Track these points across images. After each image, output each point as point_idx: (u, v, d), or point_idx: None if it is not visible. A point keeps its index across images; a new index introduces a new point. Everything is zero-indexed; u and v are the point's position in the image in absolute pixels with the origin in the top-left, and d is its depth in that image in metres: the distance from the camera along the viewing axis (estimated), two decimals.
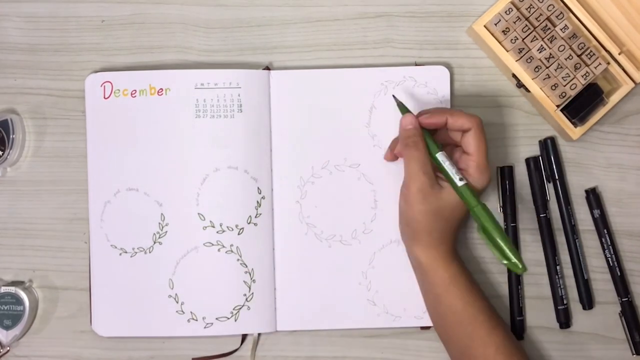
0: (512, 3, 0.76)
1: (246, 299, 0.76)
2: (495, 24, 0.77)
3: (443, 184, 0.71)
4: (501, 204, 0.79)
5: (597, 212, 0.78)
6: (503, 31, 0.77)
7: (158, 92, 0.77)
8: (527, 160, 0.79)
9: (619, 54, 0.76)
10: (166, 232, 0.76)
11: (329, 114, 0.77)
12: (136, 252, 0.77)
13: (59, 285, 0.79)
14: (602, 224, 0.78)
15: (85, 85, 0.77)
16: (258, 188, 0.76)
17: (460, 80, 0.80)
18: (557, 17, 0.76)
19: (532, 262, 0.79)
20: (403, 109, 0.74)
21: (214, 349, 0.78)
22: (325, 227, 0.76)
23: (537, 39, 0.76)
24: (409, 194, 0.71)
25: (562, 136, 0.79)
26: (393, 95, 0.75)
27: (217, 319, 0.76)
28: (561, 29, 0.76)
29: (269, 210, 0.77)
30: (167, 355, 0.78)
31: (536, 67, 0.76)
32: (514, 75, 0.77)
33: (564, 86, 0.76)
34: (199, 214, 0.76)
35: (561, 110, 0.77)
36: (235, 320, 0.76)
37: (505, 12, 0.76)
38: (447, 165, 0.71)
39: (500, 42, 0.77)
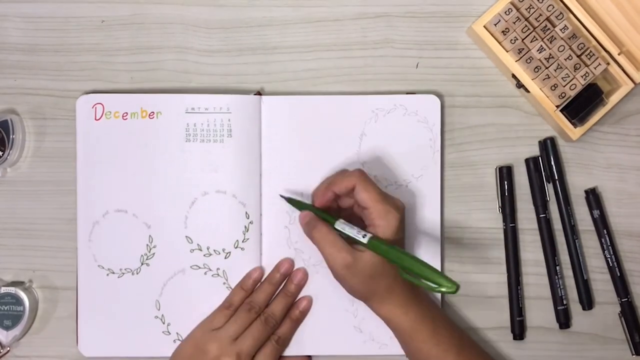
0: (512, 3, 0.76)
1: None
2: (495, 25, 0.77)
3: (360, 247, 0.70)
4: (500, 205, 0.79)
5: (596, 213, 0.78)
6: (503, 31, 0.77)
7: (149, 115, 0.77)
8: (527, 161, 0.79)
9: (619, 54, 0.76)
10: (154, 253, 0.77)
11: (319, 140, 0.77)
12: (123, 273, 0.77)
13: (59, 285, 0.79)
14: (601, 224, 0.78)
15: (76, 106, 0.77)
16: (246, 212, 0.77)
17: (460, 80, 0.80)
18: (556, 17, 0.76)
19: (532, 263, 0.79)
20: (296, 204, 0.75)
21: None
22: (313, 253, 0.75)
23: (536, 39, 0.76)
24: (336, 274, 0.71)
25: (562, 136, 0.79)
26: (280, 195, 0.76)
27: None
28: (561, 30, 0.76)
29: (257, 235, 0.77)
30: None
31: (536, 67, 0.76)
32: (513, 76, 0.77)
33: (564, 86, 0.76)
34: (186, 236, 0.77)
35: (561, 111, 0.77)
36: None
37: (505, 12, 0.76)
38: (347, 230, 0.71)
39: (499, 43, 0.77)
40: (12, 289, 0.77)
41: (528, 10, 0.76)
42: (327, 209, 0.74)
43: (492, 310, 0.79)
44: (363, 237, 0.70)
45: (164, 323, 0.77)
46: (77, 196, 0.77)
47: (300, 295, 0.77)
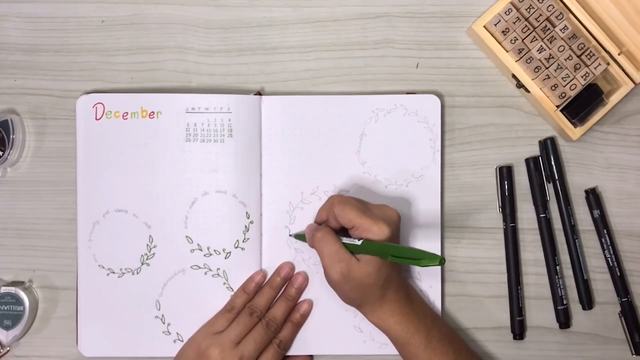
0: (512, 3, 0.76)
1: None
2: (495, 25, 0.77)
3: (356, 256, 0.70)
4: (500, 205, 0.79)
5: (596, 212, 0.78)
6: (503, 32, 0.77)
7: (149, 115, 0.77)
8: (527, 161, 0.79)
9: (619, 54, 0.76)
10: (154, 253, 0.77)
11: (320, 140, 0.77)
12: (124, 273, 0.77)
13: (59, 285, 0.79)
14: (601, 224, 0.78)
15: (76, 106, 0.77)
16: (246, 212, 0.77)
17: (460, 80, 0.80)
18: (556, 17, 0.76)
19: (532, 262, 0.79)
20: (304, 237, 0.76)
21: None
22: (312, 253, 0.75)
23: (536, 39, 0.76)
24: (331, 280, 0.71)
25: (562, 136, 0.79)
26: (290, 235, 0.77)
27: None
28: (561, 30, 0.76)
29: (257, 234, 0.77)
30: None
31: (536, 67, 0.76)
32: (513, 76, 0.77)
33: (564, 86, 0.76)
34: (186, 236, 0.77)
35: (561, 111, 0.77)
36: None
37: (505, 12, 0.76)
38: (344, 239, 0.71)
39: (499, 43, 0.77)
40: (12, 289, 0.77)
41: (528, 10, 0.76)
42: None
43: (492, 310, 0.79)
44: (358, 240, 0.70)
45: (164, 323, 0.77)
46: (77, 196, 0.77)
47: (300, 297, 0.77)
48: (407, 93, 0.79)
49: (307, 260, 0.77)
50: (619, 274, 0.78)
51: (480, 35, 0.77)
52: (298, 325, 0.76)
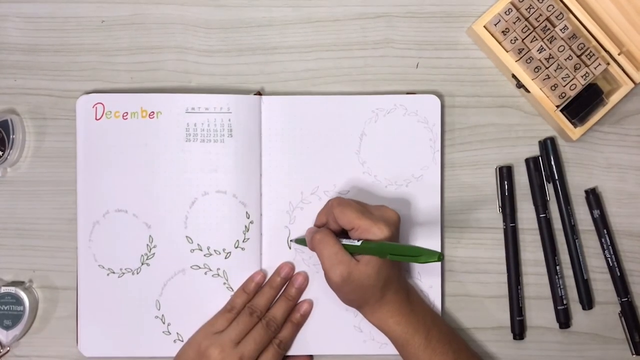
0: (512, 3, 0.76)
1: None
2: (495, 25, 0.77)
3: (357, 257, 0.70)
4: (500, 205, 0.79)
5: (596, 212, 0.78)
6: (503, 31, 0.77)
7: (149, 115, 0.77)
8: (527, 161, 0.79)
9: (619, 54, 0.76)
10: (154, 253, 0.77)
11: (319, 141, 0.77)
12: (124, 273, 0.77)
13: (59, 285, 0.79)
14: (601, 224, 0.78)
15: (76, 106, 0.77)
16: (246, 212, 0.77)
17: (460, 80, 0.80)
18: (556, 17, 0.76)
19: (532, 262, 0.79)
20: (304, 242, 0.76)
21: None
22: (312, 253, 0.75)
23: (536, 39, 0.76)
24: (331, 282, 0.71)
25: (562, 136, 0.79)
26: (291, 240, 0.77)
27: None
28: (561, 30, 0.76)
29: (257, 234, 0.77)
30: None
31: (536, 67, 0.76)
32: (513, 76, 0.77)
33: (564, 86, 0.76)
34: (187, 237, 0.77)
35: (561, 111, 0.77)
36: None
37: (505, 12, 0.76)
38: (344, 241, 0.71)
39: (500, 43, 0.77)
40: (12, 289, 0.77)
41: (528, 10, 0.76)
42: None
43: (492, 310, 0.79)
44: (357, 241, 0.70)
45: (164, 323, 0.77)
46: (77, 196, 0.77)
47: (301, 297, 0.77)
48: (407, 93, 0.79)
49: (307, 260, 0.77)
50: (619, 274, 0.78)
51: (480, 35, 0.77)
52: (298, 325, 0.76)
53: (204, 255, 0.77)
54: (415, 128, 0.78)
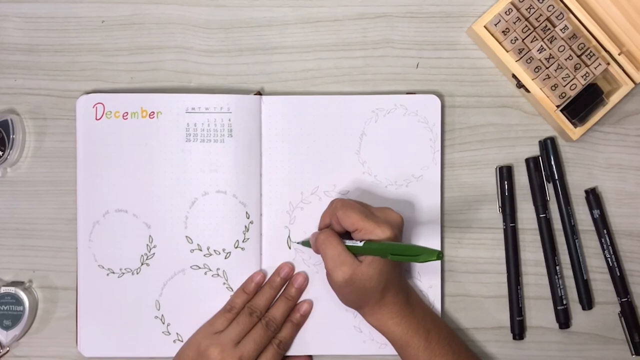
0: (512, 3, 0.76)
1: None
2: (495, 25, 0.77)
3: (360, 257, 0.71)
4: (500, 205, 0.79)
5: (596, 213, 0.78)
6: (503, 32, 0.77)
7: (149, 115, 0.77)
8: (527, 161, 0.79)
9: (619, 54, 0.76)
10: (154, 253, 0.77)
11: (320, 141, 0.77)
12: (124, 273, 0.77)
13: (59, 285, 0.79)
14: (601, 224, 0.78)
15: (76, 106, 0.77)
16: (246, 212, 0.77)
17: (460, 80, 0.80)
18: (557, 17, 0.76)
19: (532, 262, 0.79)
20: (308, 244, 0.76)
21: None
22: (312, 253, 0.76)
23: (537, 39, 0.76)
24: (334, 283, 0.71)
25: (562, 136, 0.79)
26: (297, 243, 0.77)
27: None
28: (561, 30, 0.76)
29: (257, 235, 0.77)
30: None
31: (536, 67, 0.76)
32: (514, 76, 0.77)
33: (564, 86, 0.76)
34: (186, 237, 0.77)
35: (561, 111, 0.77)
36: None
37: (505, 12, 0.76)
38: (347, 242, 0.71)
39: (500, 43, 0.77)
40: (12, 289, 0.77)
41: (528, 10, 0.76)
42: None
43: (492, 310, 0.79)
44: (360, 241, 0.70)
45: (163, 323, 0.77)
46: (77, 196, 0.77)
47: (300, 297, 0.77)
48: (407, 93, 0.79)
49: (307, 261, 0.77)
50: (618, 274, 0.78)
51: (480, 35, 0.77)
52: (298, 326, 0.76)
53: (204, 256, 0.77)
54: (415, 128, 0.78)
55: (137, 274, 0.77)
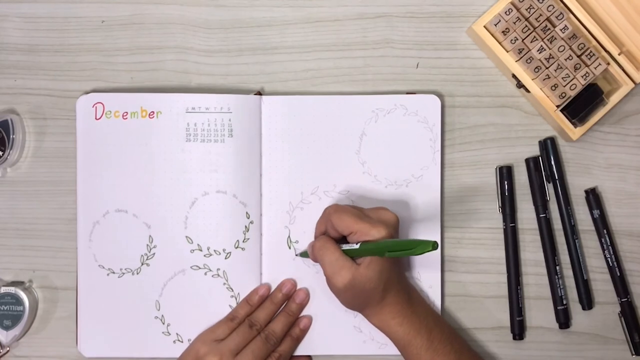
0: (512, 3, 0.76)
1: None
2: (495, 25, 0.77)
3: (358, 260, 0.70)
4: (500, 205, 0.79)
5: (596, 213, 0.78)
6: (503, 32, 0.77)
7: (149, 115, 0.77)
8: (527, 161, 0.79)
9: (619, 54, 0.76)
10: (154, 254, 0.77)
11: (320, 140, 0.77)
12: (124, 273, 0.77)
13: (59, 285, 0.79)
14: (601, 224, 0.78)
15: (76, 106, 0.77)
16: (246, 213, 0.77)
17: (460, 80, 0.80)
18: (557, 17, 0.76)
19: (532, 262, 0.79)
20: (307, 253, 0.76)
21: None
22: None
23: (537, 39, 0.76)
24: (334, 288, 0.71)
25: (562, 136, 0.79)
26: (296, 255, 0.77)
27: None
28: (561, 30, 0.76)
29: (257, 235, 0.77)
30: None
31: (536, 67, 0.76)
32: (514, 76, 0.77)
33: (564, 86, 0.76)
34: (186, 237, 0.77)
35: (561, 111, 0.77)
36: None
37: (505, 12, 0.76)
38: (344, 246, 0.71)
39: (500, 43, 0.77)
40: (12, 289, 0.77)
41: (528, 10, 0.76)
42: None
43: (492, 310, 0.79)
44: (356, 244, 0.70)
45: (163, 323, 0.77)
46: (77, 196, 0.77)
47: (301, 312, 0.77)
48: (407, 93, 0.79)
49: (307, 261, 0.77)
50: (618, 274, 0.78)
51: (480, 35, 0.77)
52: (298, 340, 0.76)
53: (204, 256, 0.77)
54: (415, 128, 0.78)
55: (137, 274, 0.77)
